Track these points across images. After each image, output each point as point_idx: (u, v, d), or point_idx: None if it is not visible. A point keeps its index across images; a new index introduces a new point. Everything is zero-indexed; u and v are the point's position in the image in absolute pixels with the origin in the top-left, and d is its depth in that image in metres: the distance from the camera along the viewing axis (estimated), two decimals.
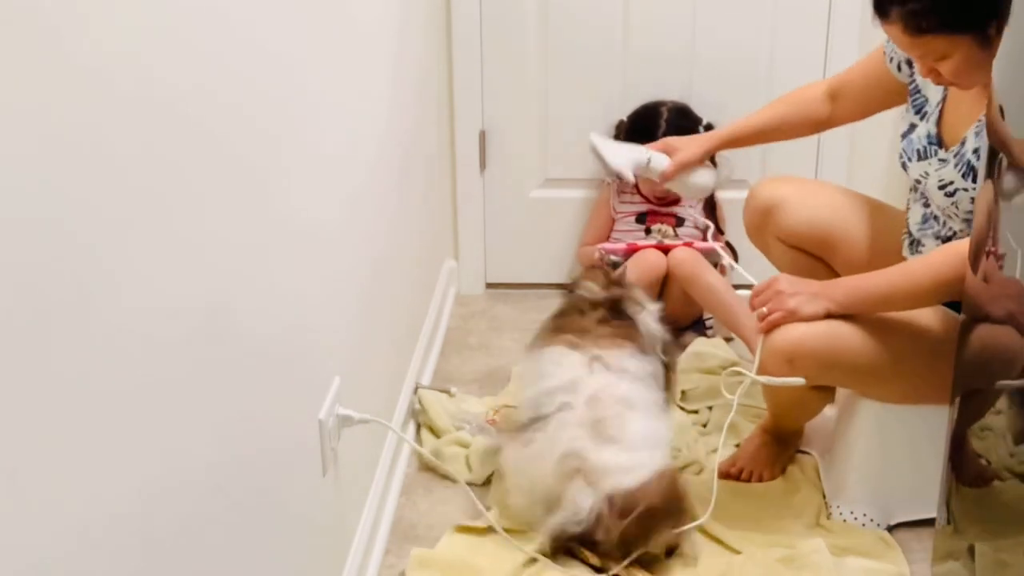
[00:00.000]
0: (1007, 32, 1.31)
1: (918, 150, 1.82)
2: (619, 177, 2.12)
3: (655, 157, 2.10)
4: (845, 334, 1.71)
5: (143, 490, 0.88)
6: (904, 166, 1.86)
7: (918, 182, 1.81)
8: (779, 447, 2.01)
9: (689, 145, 2.10)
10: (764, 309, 1.74)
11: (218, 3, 1.04)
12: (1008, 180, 1.28)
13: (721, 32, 2.74)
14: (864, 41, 2.69)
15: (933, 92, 1.83)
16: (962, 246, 1.60)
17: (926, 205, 1.83)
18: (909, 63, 1.86)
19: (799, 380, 1.72)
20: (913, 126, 1.86)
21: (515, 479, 1.80)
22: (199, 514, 1.01)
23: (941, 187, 1.74)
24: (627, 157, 2.11)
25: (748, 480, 1.98)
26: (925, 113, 1.84)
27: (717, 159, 2.45)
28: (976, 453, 1.44)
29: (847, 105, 2.04)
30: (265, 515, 1.22)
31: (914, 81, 1.87)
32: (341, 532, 1.59)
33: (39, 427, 0.72)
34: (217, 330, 1.05)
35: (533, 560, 1.71)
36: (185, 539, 0.98)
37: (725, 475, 1.98)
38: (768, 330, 1.73)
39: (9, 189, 0.67)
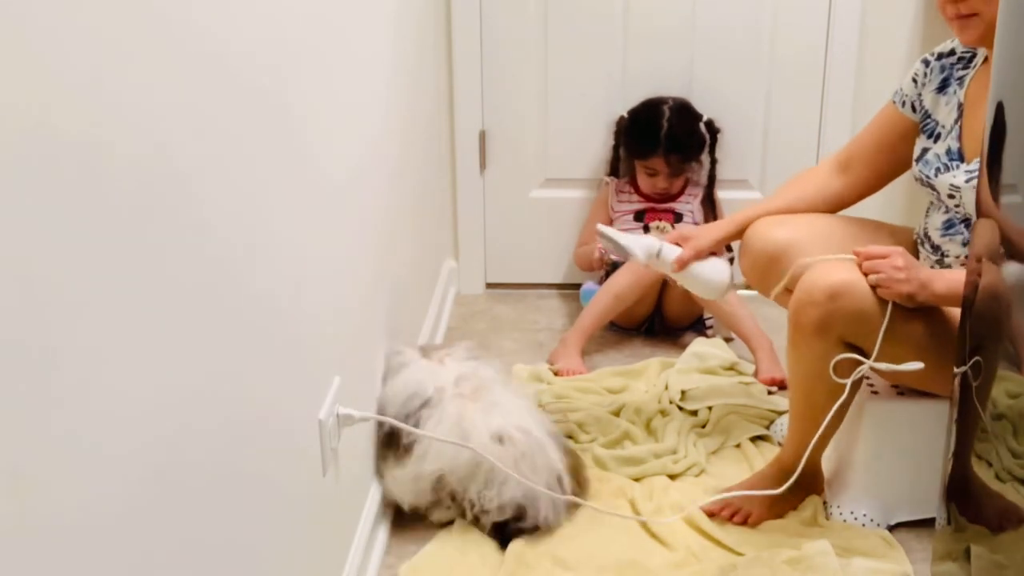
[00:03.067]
0: (1007, 30, 1.30)
1: (937, 168, 1.80)
2: (630, 257, 1.96)
3: (666, 248, 1.96)
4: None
5: (142, 490, 0.88)
6: (930, 185, 1.82)
7: (951, 196, 1.77)
8: (789, 487, 1.84)
9: (703, 233, 1.98)
10: (875, 276, 1.66)
11: (213, 10, 1.04)
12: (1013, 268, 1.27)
13: (721, 23, 2.75)
14: (865, 23, 2.70)
15: (944, 114, 1.83)
16: None
17: (948, 211, 1.81)
18: (920, 97, 1.87)
19: (918, 365, 1.66)
20: (926, 150, 1.85)
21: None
22: (198, 514, 1.01)
23: None
24: (639, 243, 1.97)
25: (743, 522, 1.84)
26: (938, 135, 1.83)
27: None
28: (989, 490, 1.37)
29: (861, 170, 1.97)
30: (265, 515, 1.22)
31: (924, 109, 1.87)
32: (341, 532, 1.59)
33: (41, 427, 0.72)
34: (217, 330, 1.05)
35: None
36: (185, 539, 0.98)
37: (711, 516, 1.85)
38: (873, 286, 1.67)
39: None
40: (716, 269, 1.99)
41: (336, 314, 1.55)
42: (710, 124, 2.76)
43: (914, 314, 1.67)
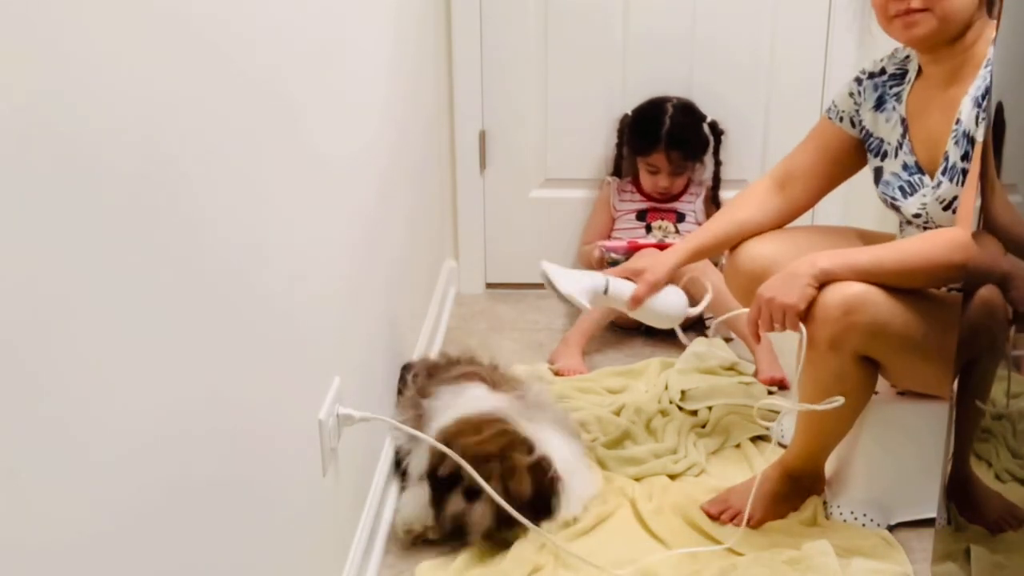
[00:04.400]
0: (1006, 32, 1.30)
1: (901, 187, 1.81)
2: (573, 304, 1.91)
3: (614, 284, 1.92)
4: (902, 300, 1.66)
5: (141, 490, 0.88)
6: (895, 208, 1.84)
7: (917, 215, 1.78)
8: (791, 488, 1.88)
9: (655, 265, 1.94)
10: (769, 318, 1.70)
11: (209, 15, 1.04)
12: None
13: (722, 23, 2.76)
14: (865, 25, 2.69)
15: (886, 131, 1.85)
16: (958, 231, 1.61)
17: (919, 228, 1.80)
18: (859, 115, 1.89)
19: (839, 400, 1.67)
20: (879, 170, 1.86)
21: None
22: (198, 515, 1.01)
23: (945, 207, 1.72)
24: (581, 284, 1.90)
25: (749, 523, 1.82)
26: (885, 153, 1.85)
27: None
28: (990, 491, 1.37)
29: (800, 185, 1.97)
30: (264, 515, 1.22)
31: (864, 128, 1.89)
32: (341, 532, 1.59)
33: (38, 426, 0.72)
34: (216, 330, 1.05)
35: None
36: (183, 539, 0.98)
37: (711, 516, 1.86)
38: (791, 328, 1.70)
39: None
40: (671, 301, 1.96)
41: (336, 314, 1.55)
42: (714, 125, 2.77)
43: (926, 324, 1.67)
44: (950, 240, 1.61)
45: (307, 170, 1.38)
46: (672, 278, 1.98)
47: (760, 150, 2.85)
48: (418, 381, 2.03)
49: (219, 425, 1.06)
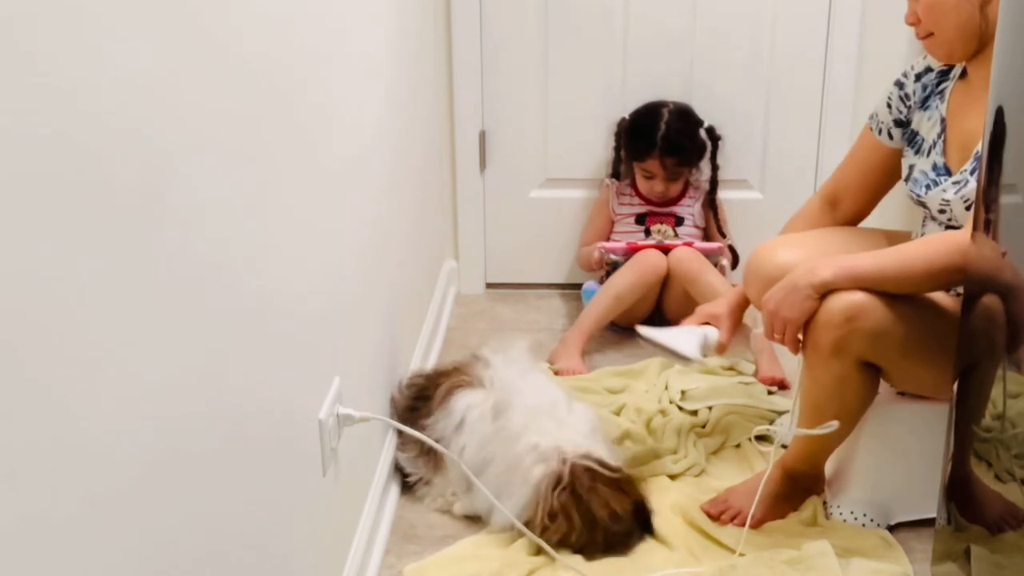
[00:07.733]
0: (1007, 30, 1.30)
1: (927, 185, 1.81)
2: (690, 360, 2.00)
3: (709, 332, 2.01)
4: (903, 307, 1.67)
5: (141, 491, 0.88)
6: (921, 203, 1.84)
7: (942, 211, 1.78)
8: (791, 488, 1.89)
9: (726, 310, 2.00)
10: (777, 328, 1.71)
11: (205, 12, 1.04)
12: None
13: (722, 24, 2.75)
14: (865, 25, 2.70)
15: (926, 128, 1.85)
16: (958, 235, 1.61)
17: (942, 224, 1.81)
18: (896, 123, 1.90)
19: (833, 424, 1.71)
20: (912, 167, 1.86)
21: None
22: (198, 514, 1.01)
23: (968, 207, 1.71)
24: (692, 342, 1.99)
25: (742, 523, 1.82)
26: (921, 149, 1.85)
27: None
28: (991, 491, 1.37)
29: (850, 201, 2.00)
30: (265, 515, 1.22)
31: (909, 129, 1.89)
32: (341, 532, 1.60)
33: (37, 428, 0.72)
34: (216, 330, 1.05)
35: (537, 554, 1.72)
36: (184, 539, 0.98)
37: (711, 516, 1.86)
38: (793, 340, 1.73)
39: None
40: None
41: (336, 314, 1.55)
42: (711, 131, 2.76)
43: (927, 330, 1.68)
44: (951, 244, 1.61)
45: (308, 170, 1.38)
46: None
47: (760, 143, 2.84)
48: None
49: (219, 425, 1.06)
